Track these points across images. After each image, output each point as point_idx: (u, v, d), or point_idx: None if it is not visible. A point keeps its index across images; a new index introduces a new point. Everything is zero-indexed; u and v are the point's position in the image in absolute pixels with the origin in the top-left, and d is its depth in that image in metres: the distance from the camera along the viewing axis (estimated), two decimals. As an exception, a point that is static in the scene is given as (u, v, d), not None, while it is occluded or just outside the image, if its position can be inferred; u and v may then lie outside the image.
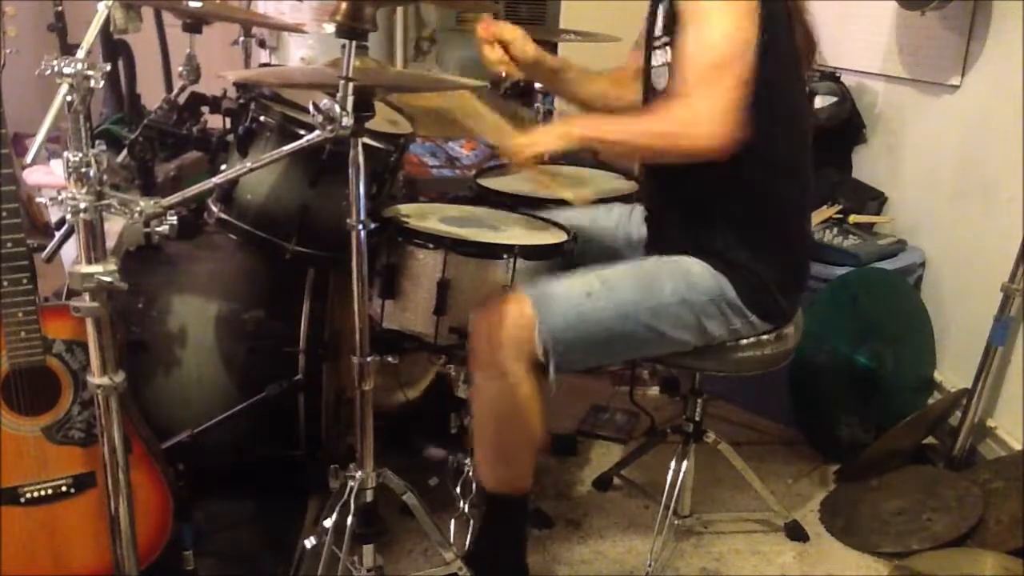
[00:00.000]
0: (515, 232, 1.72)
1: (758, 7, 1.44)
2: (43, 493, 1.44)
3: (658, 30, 1.59)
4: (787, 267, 1.67)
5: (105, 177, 1.12)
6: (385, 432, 1.99)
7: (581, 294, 1.53)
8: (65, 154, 1.09)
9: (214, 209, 1.74)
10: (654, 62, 1.62)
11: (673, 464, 1.85)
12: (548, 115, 3.12)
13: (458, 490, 1.84)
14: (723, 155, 1.40)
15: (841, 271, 2.28)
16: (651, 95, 1.65)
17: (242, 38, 2.54)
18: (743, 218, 1.59)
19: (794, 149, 1.62)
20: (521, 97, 2.77)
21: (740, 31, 1.42)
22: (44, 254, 1.81)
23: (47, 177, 2.74)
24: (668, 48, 1.56)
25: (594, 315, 1.52)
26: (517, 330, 1.48)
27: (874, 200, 2.63)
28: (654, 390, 2.56)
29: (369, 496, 1.48)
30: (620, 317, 1.53)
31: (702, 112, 1.39)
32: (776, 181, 1.59)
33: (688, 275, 1.58)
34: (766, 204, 1.60)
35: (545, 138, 1.52)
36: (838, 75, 2.72)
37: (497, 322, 1.48)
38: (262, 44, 2.90)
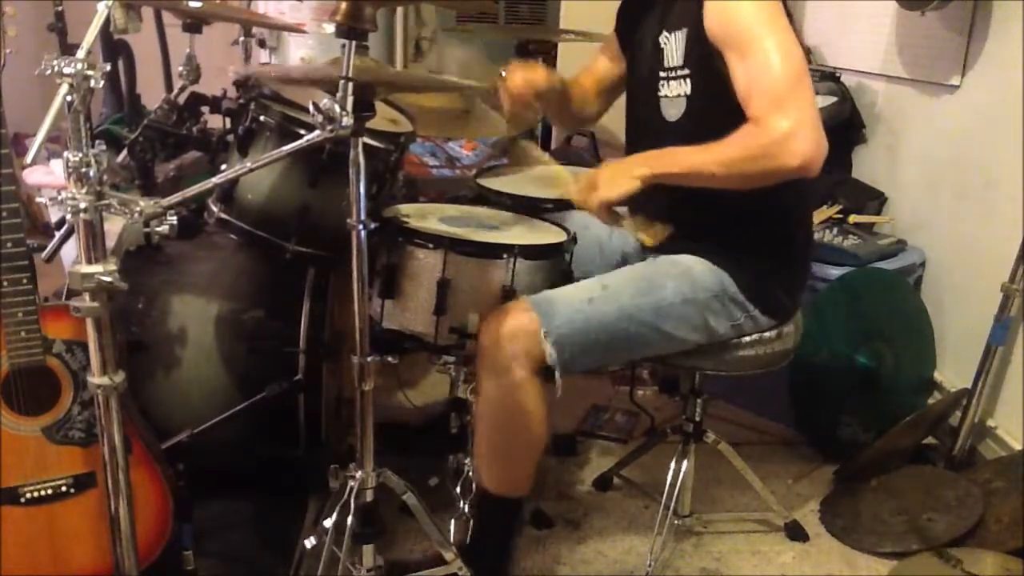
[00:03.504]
0: (515, 232, 1.72)
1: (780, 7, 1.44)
2: (43, 493, 1.44)
3: (673, 60, 1.57)
4: (787, 264, 1.68)
5: (105, 177, 1.12)
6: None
7: (583, 300, 1.53)
8: (65, 154, 1.09)
9: (214, 209, 1.74)
10: (665, 92, 1.60)
11: (673, 464, 1.85)
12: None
13: (458, 490, 1.84)
14: (814, 171, 1.39)
15: (841, 271, 2.28)
16: (658, 126, 1.63)
17: (242, 38, 2.53)
18: (741, 216, 1.59)
19: None
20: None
21: (795, 45, 1.42)
22: (44, 254, 1.81)
23: (47, 177, 2.74)
24: (688, 80, 1.55)
25: (598, 319, 1.52)
26: (523, 337, 1.49)
27: (874, 200, 2.63)
28: (654, 390, 2.57)
29: (369, 496, 1.48)
30: (624, 319, 1.54)
31: (787, 130, 1.37)
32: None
33: (689, 273, 1.59)
34: (764, 201, 1.59)
35: (614, 187, 1.48)
36: (838, 75, 2.72)
37: (503, 329, 1.49)
38: (262, 44, 2.90)
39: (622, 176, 1.49)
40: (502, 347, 1.49)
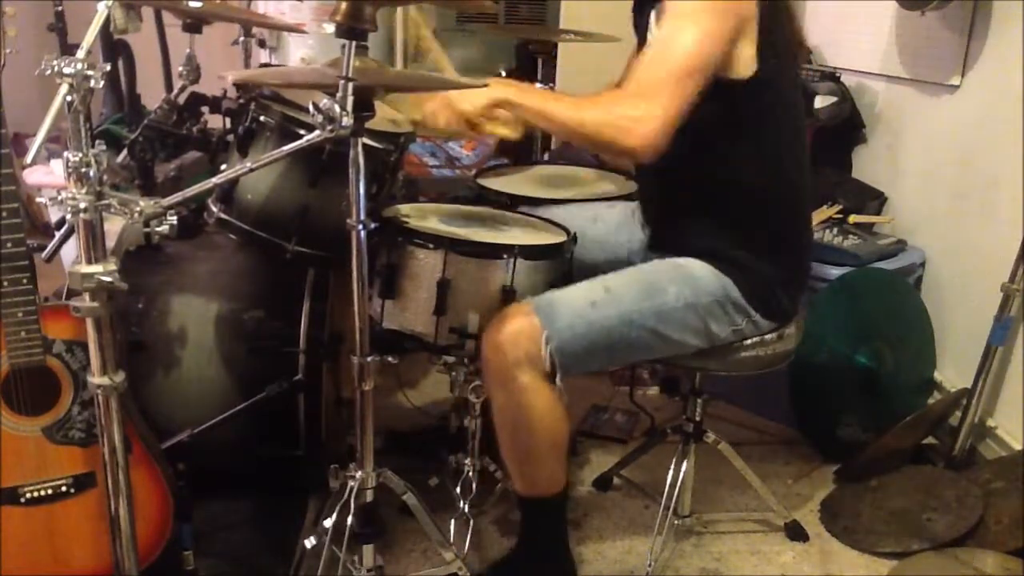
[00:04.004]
0: (515, 232, 1.72)
1: (755, 7, 1.44)
2: (43, 493, 1.44)
3: (651, 37, 1.58)
4: (788, 265, 1.67)
5: (105, 177, 1.12)
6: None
7: (586, 304, 1.53)
8: (65, 154, 1.09)
9: (214, 209, 1.74)
10: None
11: (673, 464, 1.85)
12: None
13: (458, 490, 1.84)
14: (645, 161, 1.42)
15: (841, 271, 2.28)
16: None
17: (242, 38, 2.54)
18: (741, 217, 1.59)
19: (790, 147, 1.62)
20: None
21: (710, 44, 1.41)
22: (44, 254, 1.81)
23: (47, 177, 2.74)
24: None
25: (600, 324, 1.52)
26: (525, 342, 1.48)
27: (874, 200, 2.63)
28: (654, 390, 2.56)
29: (369, 496, 1.48)
30: (626, 324, 1.53)
31: (649, 116, 1.38)
32: (773, 179, 1.59)
33: (692, 278, 1.58)
34: (764, 203, 1.60)
35: (470, 97, 1.50)
36: (838, 75, 2.72)
37: (505, 336, 1.49)
38: (262, 44, 2.89)
39: (484, 92, 1.50)
40: (505, 354, 1.49)
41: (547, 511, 1.67)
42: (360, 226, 1.34)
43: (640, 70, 1.43)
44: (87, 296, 1.15)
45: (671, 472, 1.84)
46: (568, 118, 1.46)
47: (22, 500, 1.43)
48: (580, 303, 1.53)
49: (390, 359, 1.55)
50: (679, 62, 1.40)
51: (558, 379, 1.51)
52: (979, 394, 2.15)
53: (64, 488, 1.46)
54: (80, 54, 1.06)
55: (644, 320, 1.54)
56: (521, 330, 1.49)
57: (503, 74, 1.86)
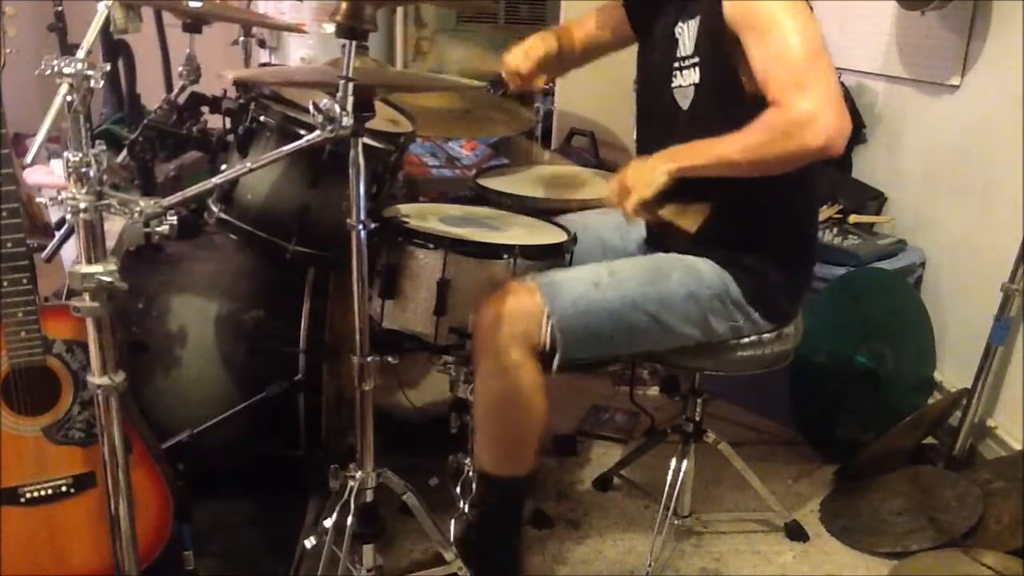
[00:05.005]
0: (515, 232, 1.72)
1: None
2: (43, 493, 1.44)
3: (685, 49, 1.58)
4: (792, 269, 1.68)
5: (105, 177, 1.12)
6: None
7: (589, 284, 1.54)
8: (65, 154, 1.09)
9: (214, 209, 1.74)
10: (678, 82, 1.60)
11: (673, 464, 1.85)
12: (548, 115, 3.13)
13: (458, 490, 1.84)
14: (837, 151, 1.38)
15: (841, 271, 2.28)
16: (670, 115, 1.62)
17: (242, 38, 2.54)
18: (748, 219, 1.59)
19: None
20: (521, 98, 2.77)
21: (811, 25, 1.42)
22: (44, 254, 1.81)
23: (47, 177, 2.74)
24: (698, 68, 1.55)
25: (601, 304, 1.52)
26: (525, 317, 1.49)
27: (874, 200, 2.63)
28: (654, 390, 2.56)
29: (369, 496, 1.48)
30: (627, 306, 1.54)
31: (805, 111, 1.37)
32: (781, 181, 1.58)
33: (695, 270, 1.59)
34: (771, 205, 1.59)
35: (645, 186, 1.49)
36: (838, 75, 2.72)
37: (505, 308, 1.49)
38: (262, 44, 2.90)
39: (650, 174, 1.49)
40: (502, 327, 1.48)
41: (510, 491, 1.65)
42: (360, 226, 1.34)
43: (771, 78, 1.41)
44: (87, 296, 1.15)
45: (671, 472, 1.84)
46: (741, 154, 1.43)
47: (22, 500, 1.43)
48: (584, 284, 1.54)
49: (390, 359, 1.55)
50: (804, 48, 1.39)
51: (556, 361, 1.50)
52: (979, 394, 2.16)
53: (64, 488, 1.46)
54: (80, 54, 1.06)
55: (646, 304, 1.54)
56: (523, 306, 1.49)
57: (504, 74, 1.85)
